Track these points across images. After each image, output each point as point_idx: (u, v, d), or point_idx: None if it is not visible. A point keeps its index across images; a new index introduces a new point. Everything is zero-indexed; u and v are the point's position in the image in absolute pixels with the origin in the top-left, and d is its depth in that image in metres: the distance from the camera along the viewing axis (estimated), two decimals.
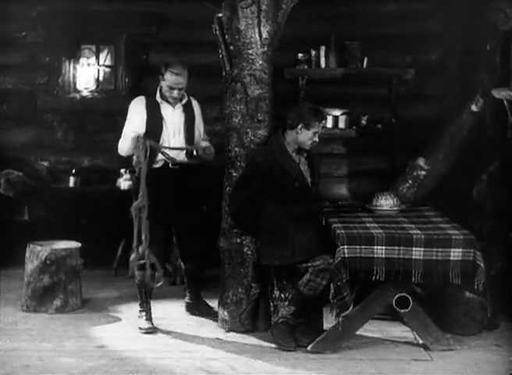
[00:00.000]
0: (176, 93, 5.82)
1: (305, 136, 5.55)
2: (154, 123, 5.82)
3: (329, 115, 7.70)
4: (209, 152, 5.88)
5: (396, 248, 5.22)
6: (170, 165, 5.82)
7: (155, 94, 5.91)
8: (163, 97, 5.88)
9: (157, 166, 5.82)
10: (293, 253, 5.44)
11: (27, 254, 6.30)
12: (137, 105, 5.92)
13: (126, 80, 8.15)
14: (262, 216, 5.59)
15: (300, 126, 5.53)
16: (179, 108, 5.92)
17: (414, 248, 5.21)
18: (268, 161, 5.53)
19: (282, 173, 5.51)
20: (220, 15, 5.80)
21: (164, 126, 5.85)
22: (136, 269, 5.79)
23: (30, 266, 6.27)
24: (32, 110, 8.17)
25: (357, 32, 7.75)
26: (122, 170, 7.57)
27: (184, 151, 5.88)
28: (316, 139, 5.58)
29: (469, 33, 7.42)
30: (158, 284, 5.88)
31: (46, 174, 8.05)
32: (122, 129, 5.84)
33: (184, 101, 5.94)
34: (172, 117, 5.89)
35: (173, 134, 5.87)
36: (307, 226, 5.54)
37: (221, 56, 5.84)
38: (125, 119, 8.18)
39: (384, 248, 5.22)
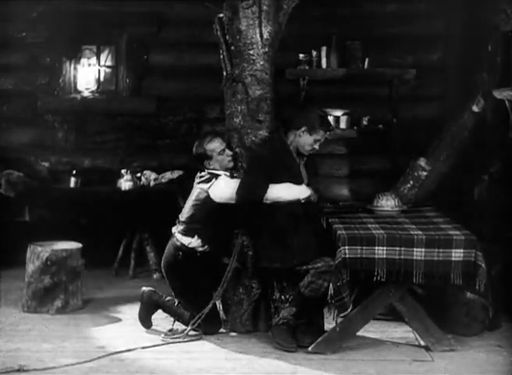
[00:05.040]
0: (228, 152, 5.73)
1: (305, 140, 5.53)
2: None
3: (330, 115, 7.69)
4: None
5: (397, 248, 5.21)
6: None
7: (215, 174, 5.65)
8: (222, 168, 5.72)
9: None
10: (293, 256, 5.42)
11: (28, 254, 6.29)
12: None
13: (127, 80, 8.15)
14: (263, 216, 5.56)
15: (303, 129, 5.51)
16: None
17: (415, 249, 5.20)
18: (271, 156, 5.51)
19: (283, 170, 5.49)
20: (221, 15, 5.79)
21: None
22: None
23: (31, 266, 6.26)
24: (33, 111, 8.17)
25: (359, 32, 7.76)
26: (123, 171, 7.59)
27: None
28: (316, 147, 5.55)
29: (470, 33, 7.42)
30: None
31: (47, 175, 8.04)
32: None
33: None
34: None
35: None
36: (307, 227, 5.51)
37: (222, 57, 5.83)
38: (125, 120, 8.33)
39: (385, 248, 5.21)
